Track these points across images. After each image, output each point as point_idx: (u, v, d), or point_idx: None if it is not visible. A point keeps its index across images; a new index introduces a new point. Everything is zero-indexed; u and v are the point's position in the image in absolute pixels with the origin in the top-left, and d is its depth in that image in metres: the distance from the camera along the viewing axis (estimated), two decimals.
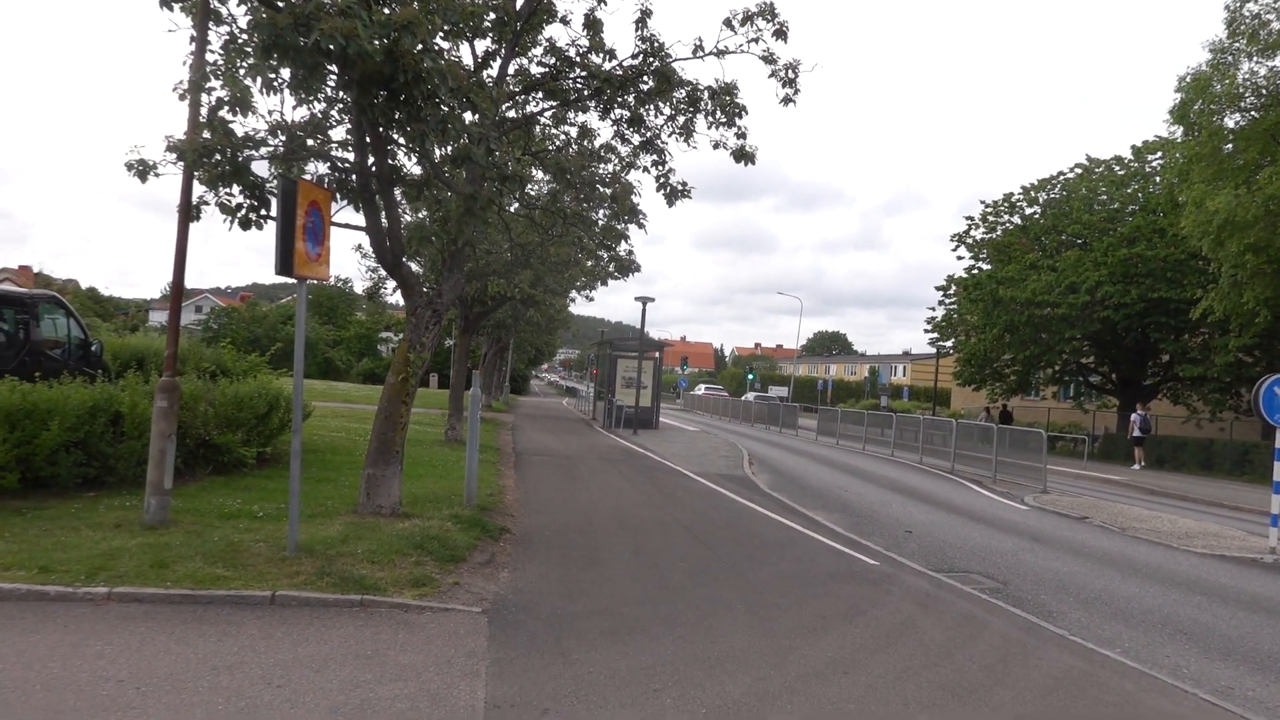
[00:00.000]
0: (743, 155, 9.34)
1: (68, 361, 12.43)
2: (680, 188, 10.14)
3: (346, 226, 8.88)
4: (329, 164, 8.71)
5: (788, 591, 8.17)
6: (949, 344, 41.31)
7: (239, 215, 8.27)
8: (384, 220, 8.74)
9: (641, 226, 9.72)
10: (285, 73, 6.79)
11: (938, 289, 40.38)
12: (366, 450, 9.29)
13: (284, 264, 6.95)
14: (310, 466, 13.25)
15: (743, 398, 65.26)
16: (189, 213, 8.36)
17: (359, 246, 20.59)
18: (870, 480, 19.37)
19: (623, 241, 10.26)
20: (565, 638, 6.16)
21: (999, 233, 38.20)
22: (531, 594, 7.30)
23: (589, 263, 13.62)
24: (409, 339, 9.13)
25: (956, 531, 13.04)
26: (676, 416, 47.07)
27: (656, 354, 33.41)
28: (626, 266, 10.46)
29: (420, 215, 11.07)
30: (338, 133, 9.44)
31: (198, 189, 8.45)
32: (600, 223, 10.58)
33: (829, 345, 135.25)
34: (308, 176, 8.78)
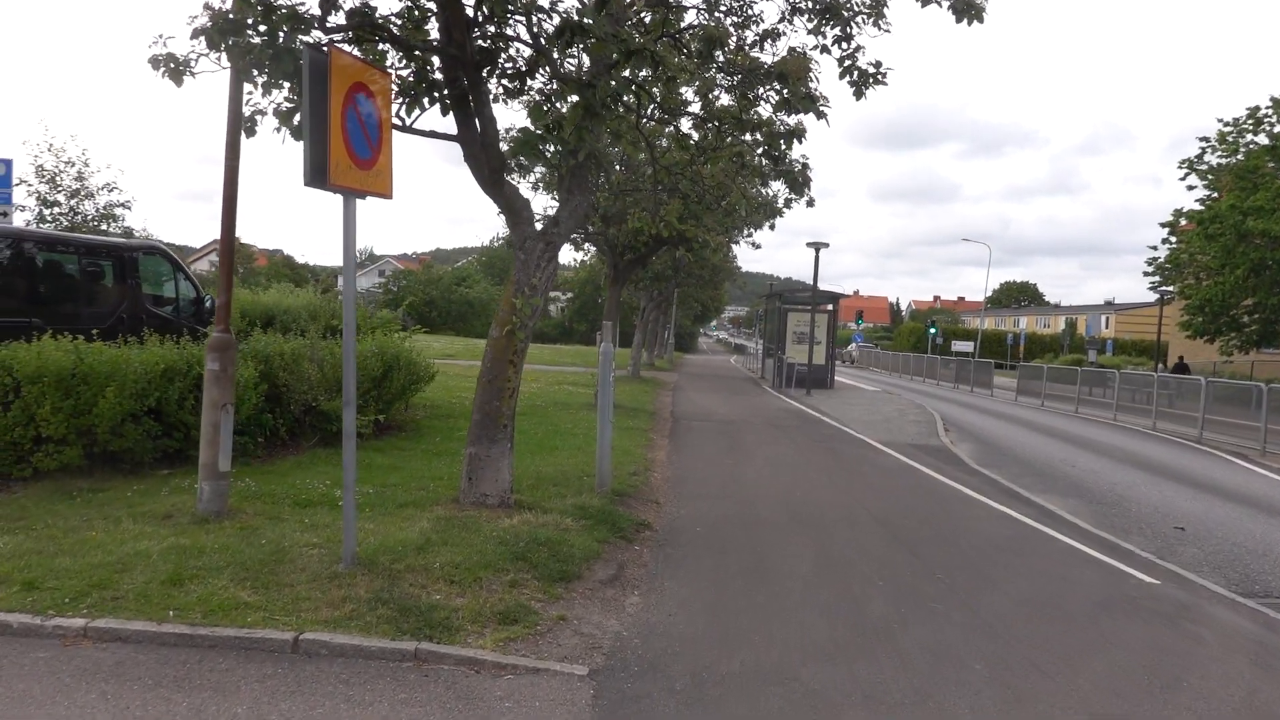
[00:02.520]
0: (967, 9, 6.60)
1: (179, 320, 11.24)
2: (873, 71, 7.49)
3: (430, 135, 6.85)
4: (403, 50, 6.68)
5: (1044, 636, 5.56)
6: (1173, 289, 35.71)
7: (293, 123, 6.39)
8: (478, 123, 6.64)
9: (821, 115, 7.15)
10: None
11: (1163, 225, 34.85)
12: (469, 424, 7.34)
13: (315, 170, 4.96)
14: (433, 436, 11.62)
15: (848, 348, 59.69)
16: (239, 120, 6.58)
17: None
18: (1099, 452, 15.97)
19: (795, 143, 7.73)
20: None
21: (1240, 156, 32.28)
22: (667, 638, 5.08)
23: (751, 187, 11.07)
24: (515, 280, 7.05)
25: (1245, 528, 9.82)
26: (849, 375, 43.74)
27: (830, 306, 30.38)
28: (799, 180, 7.90)
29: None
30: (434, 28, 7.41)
31: (252, 100, 6.67)
32: (765, 124, 8.07)
33: (1016, 296, 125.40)
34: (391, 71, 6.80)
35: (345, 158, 5.09)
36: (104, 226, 17.43)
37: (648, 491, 9.21)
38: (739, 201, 9.79)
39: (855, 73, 7.60)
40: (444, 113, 6.76)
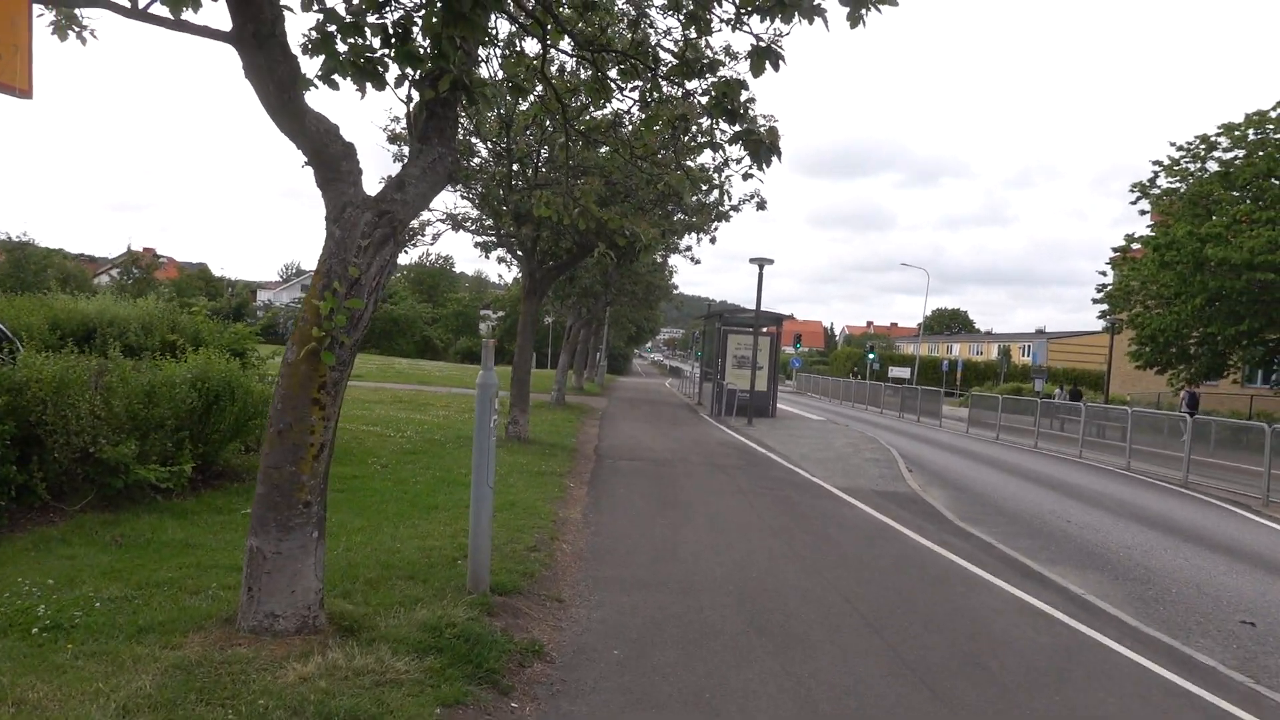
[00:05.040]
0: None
1: None
2: None
3: (183, 28, 4.16)
4: None
5: None
6: (1123, 318, 34.46)
7: None
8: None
9: (819, 15, 4.68)
10: None
11: (1115, 250, 33.67)
12: (254, 497, 4.61)
13: None
14: None
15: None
16: None
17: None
18: (1088, 501, 13.84)
19: (766, 74, 5.29)
20: None
21: (1189, 183, 31.17)
22: None
23: (694, 152, 8.52)
24: (323, 270, 4.40)
25: None
26: (790, 401, 41.68)
27: (775, 329, 28.17)
28: (764, 144, 5.49)
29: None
30: None
31: None
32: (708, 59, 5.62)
33: (948, 324, 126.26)
34: None
35: None
36: None
37: (549, 579, 6.57)
38: (682, 184, 7.30)
39: None
40: None
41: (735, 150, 6.07)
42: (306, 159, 4.50)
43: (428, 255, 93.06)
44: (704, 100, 5.99)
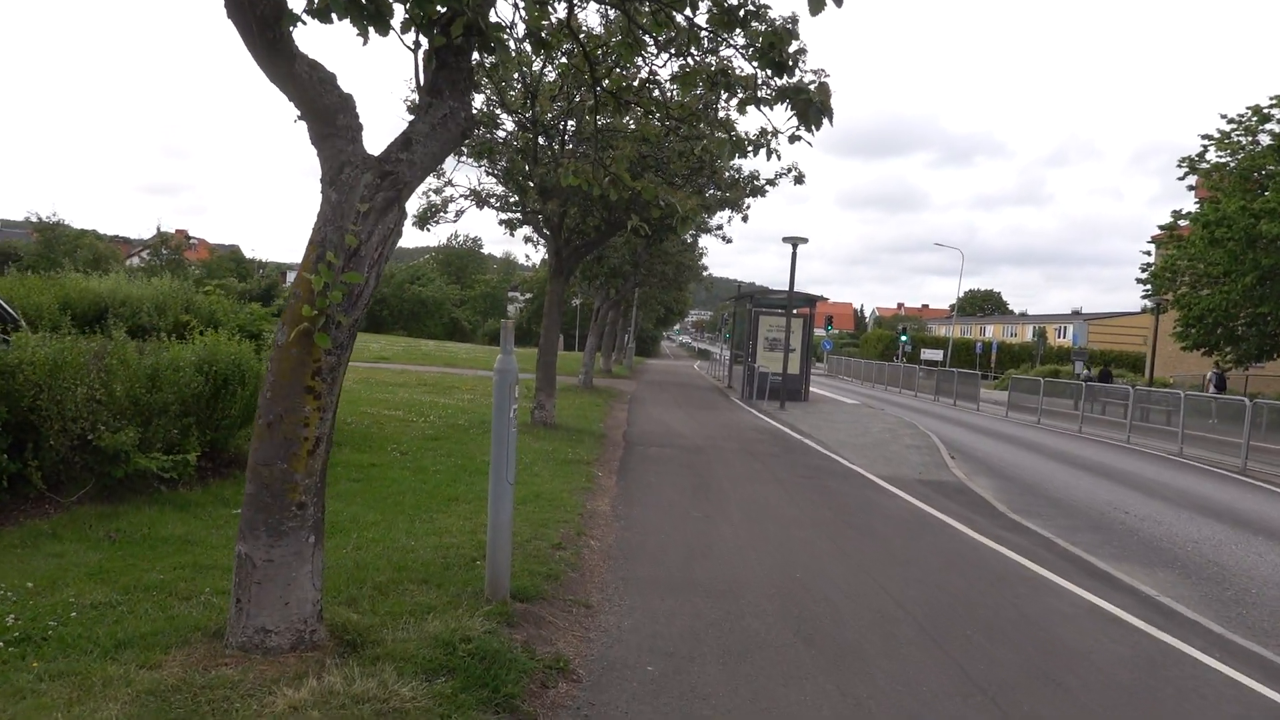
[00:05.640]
0: None
1: None
2: None
3: None
4: None
5: None
6: (1168, 298, 33.26)
7: None
8: None
9: None
10: None
11: (1161, 228, 32.45)
12: (243, 504, 4.10)
13: None
14: None
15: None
16: None
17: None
18: (1143, 490, 13.10)
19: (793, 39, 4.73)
20: None
21: (1240, 156, 29.85)
22: None
23: (734, 117, 7.98)
24: (317, 239, 3.87)
25: None
26: (821, 384, 40.89)
27: (808, 310, 27.42)
28: (812, 105, 4.90)
29: None
30: None
31: None
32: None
33: (981, 305, 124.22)
34: None
35: None
36: None
37: (575, 581, 6.04)
38: (721, 147, 6.67)
39: None
40: None
41: (777, 116, 5.50)
42: (299, 112, 3.96)
43: (455, 236, 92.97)
44: (744, 56, 5.36)
